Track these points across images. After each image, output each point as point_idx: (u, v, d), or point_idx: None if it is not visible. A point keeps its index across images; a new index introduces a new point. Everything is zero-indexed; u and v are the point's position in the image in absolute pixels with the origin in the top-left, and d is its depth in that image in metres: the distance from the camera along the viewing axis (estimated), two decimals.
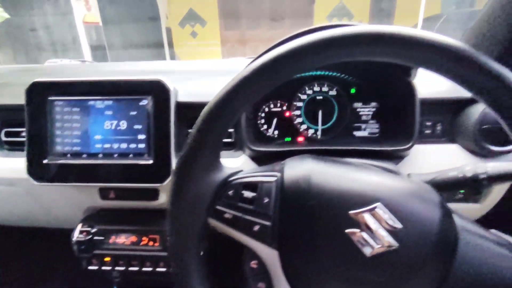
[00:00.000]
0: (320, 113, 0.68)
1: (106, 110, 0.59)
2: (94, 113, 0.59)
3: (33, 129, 0.58)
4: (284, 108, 0.69)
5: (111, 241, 0.63)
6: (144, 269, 0.63)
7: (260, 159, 0.62)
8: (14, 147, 0.65)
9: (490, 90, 0.28)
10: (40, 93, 0.58)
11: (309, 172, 0.35)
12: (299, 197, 0.34)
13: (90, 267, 0.64)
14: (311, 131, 0.69)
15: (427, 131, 0.61)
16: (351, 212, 0.31)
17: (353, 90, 0.68)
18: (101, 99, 0.59)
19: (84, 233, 0.62)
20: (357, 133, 0.69)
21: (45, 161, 0.58)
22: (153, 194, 0.63)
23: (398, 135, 0.60)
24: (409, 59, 0.29)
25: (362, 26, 0.29)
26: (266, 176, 0.36)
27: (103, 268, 0.63)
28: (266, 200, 0.35)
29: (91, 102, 0.59)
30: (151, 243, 0.63)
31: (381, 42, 0.28)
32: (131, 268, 0.63)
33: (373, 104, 0.68)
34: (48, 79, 0.58)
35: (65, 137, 0.59)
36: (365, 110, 0.68)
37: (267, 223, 0.34)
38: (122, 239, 0.63)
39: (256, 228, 0.34)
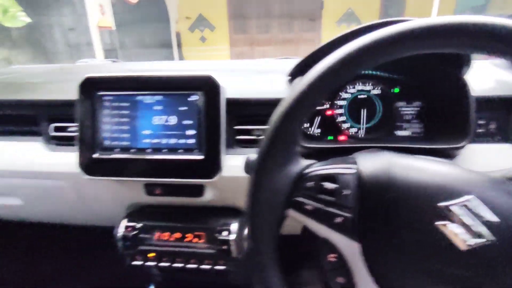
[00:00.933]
0: (363, 112, 0.68)
1: (155, 105, 0.59)
2: (143, 108, 0.59)
3: (84, 124, 0.59)
4: (327, 106, 0.69)
5: (155, 237, 0.63)
6: (188, 266, 0.62)
7: (303, 156, 0.61)
8: (61, 142, 0.66)
9: None
10: (91, 88, 0.59)
11: (387, 165, 0.34)
12: (379, 189, 0.33)
13: (134, 263, 0.63)
14: (353, 130, 0.69)
15: (480, 130, 0.60)
16: (440, 204, 0.31)
17: (396, 90, 0.67)
18: (150, 94, 0.59)
19: (129, 229, 0.62)
20: (399, 133, 0.68)
21: (94, 156, 0.59)
22: (199, 191, 0.63)
23: (448, 134, 0.59)
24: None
25: (443, 17, 0.29)
26: (344, 168, 0.36)
27: (147, 264, 0.63)
28: (347, 192, 0.34)
29: (140, 97, 0.59)
30: (195, 239, 0.62)
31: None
32: (175, 265, 0.62)
33: (417, 103, 0.67)
34: (100, 75, 0.59)
35: (114, 131, 0.60)
36: (408, 110, 0.68)
37: (349, 215, 0.33)
38: (167, 236, 0.63)
39: (338, 220, 0.34)
